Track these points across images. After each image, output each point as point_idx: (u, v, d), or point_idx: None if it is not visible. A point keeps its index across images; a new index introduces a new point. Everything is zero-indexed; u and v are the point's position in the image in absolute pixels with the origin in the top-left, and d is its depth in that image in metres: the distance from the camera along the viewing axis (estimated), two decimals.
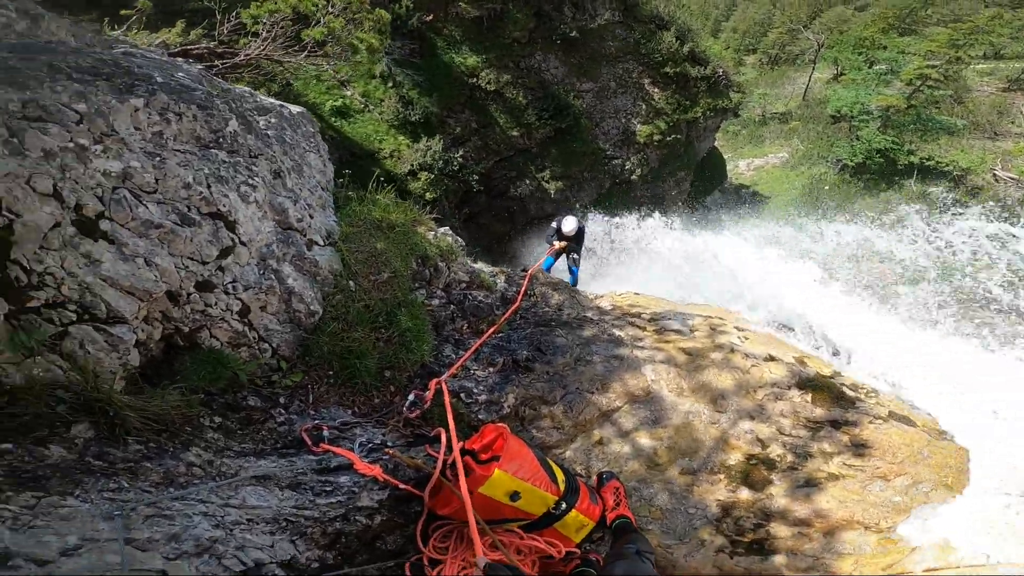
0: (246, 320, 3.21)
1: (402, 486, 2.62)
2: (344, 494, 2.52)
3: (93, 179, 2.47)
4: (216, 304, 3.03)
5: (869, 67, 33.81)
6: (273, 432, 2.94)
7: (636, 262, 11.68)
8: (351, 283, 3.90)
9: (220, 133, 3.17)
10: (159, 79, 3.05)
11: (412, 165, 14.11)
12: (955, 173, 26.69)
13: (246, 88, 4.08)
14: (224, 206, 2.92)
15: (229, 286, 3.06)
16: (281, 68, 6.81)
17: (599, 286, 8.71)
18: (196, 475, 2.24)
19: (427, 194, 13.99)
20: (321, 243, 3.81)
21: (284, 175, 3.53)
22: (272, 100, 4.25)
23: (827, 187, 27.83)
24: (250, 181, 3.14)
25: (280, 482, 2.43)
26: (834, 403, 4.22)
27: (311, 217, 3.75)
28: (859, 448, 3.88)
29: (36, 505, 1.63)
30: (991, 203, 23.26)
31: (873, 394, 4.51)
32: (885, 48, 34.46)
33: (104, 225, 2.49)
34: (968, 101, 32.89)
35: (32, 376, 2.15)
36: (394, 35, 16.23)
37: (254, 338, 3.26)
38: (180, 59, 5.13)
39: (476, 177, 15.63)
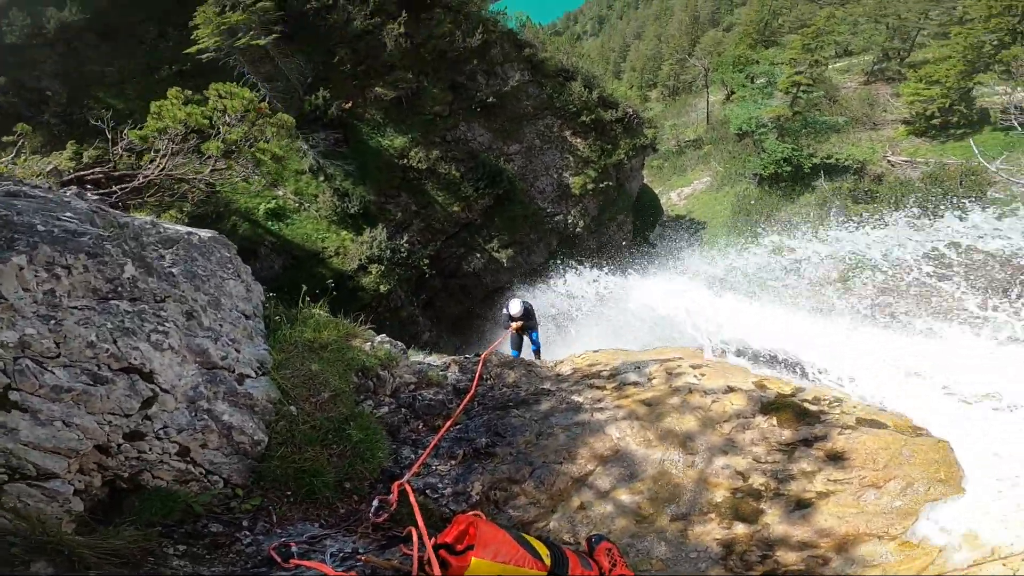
0: (188, 459, 3.12)
1: None
2: None
3: None
4: (151, 450, 2.93)
5: (751, 83, 36.75)
6: (241, 554, 2.87)
7: (596, 319, 11.79)
8: (292, 408, 3.85)
9: (117, 281, 2.97)
10: (40, 227, 2.81)
11: (360, 260, 14.00)
12: (855, 167, 29.25)
13: (147, 218, 3.78)
14: (136, 359, 2.78)
15: (160, 432, 2.95)
16: (187, 186, 6.64)
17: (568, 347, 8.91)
18: None
19: (381, 287, 13.82)
20: (253, 375, 3.71)
21: (198, 314, 3.40)
22: (178, 228, 4.09)
23: (752, 201, 29.77)
24: (160, 328, 3.01)
25: None
26: (799, 421, 4.23)
27: (237, 351, 3.63)
28: (837, 461, 3.82)
29: None
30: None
31: (836, 403, 4.53)
32: (758, 63, 37.77)
33: (13, 396, 2.42)
34: (840, 99, 36.43)
35: None
36: (315, 127, 16.41)
37: (200, 473, 3.17)
38: (73, 188, 4.75)
39: (427, 261, 15.59)
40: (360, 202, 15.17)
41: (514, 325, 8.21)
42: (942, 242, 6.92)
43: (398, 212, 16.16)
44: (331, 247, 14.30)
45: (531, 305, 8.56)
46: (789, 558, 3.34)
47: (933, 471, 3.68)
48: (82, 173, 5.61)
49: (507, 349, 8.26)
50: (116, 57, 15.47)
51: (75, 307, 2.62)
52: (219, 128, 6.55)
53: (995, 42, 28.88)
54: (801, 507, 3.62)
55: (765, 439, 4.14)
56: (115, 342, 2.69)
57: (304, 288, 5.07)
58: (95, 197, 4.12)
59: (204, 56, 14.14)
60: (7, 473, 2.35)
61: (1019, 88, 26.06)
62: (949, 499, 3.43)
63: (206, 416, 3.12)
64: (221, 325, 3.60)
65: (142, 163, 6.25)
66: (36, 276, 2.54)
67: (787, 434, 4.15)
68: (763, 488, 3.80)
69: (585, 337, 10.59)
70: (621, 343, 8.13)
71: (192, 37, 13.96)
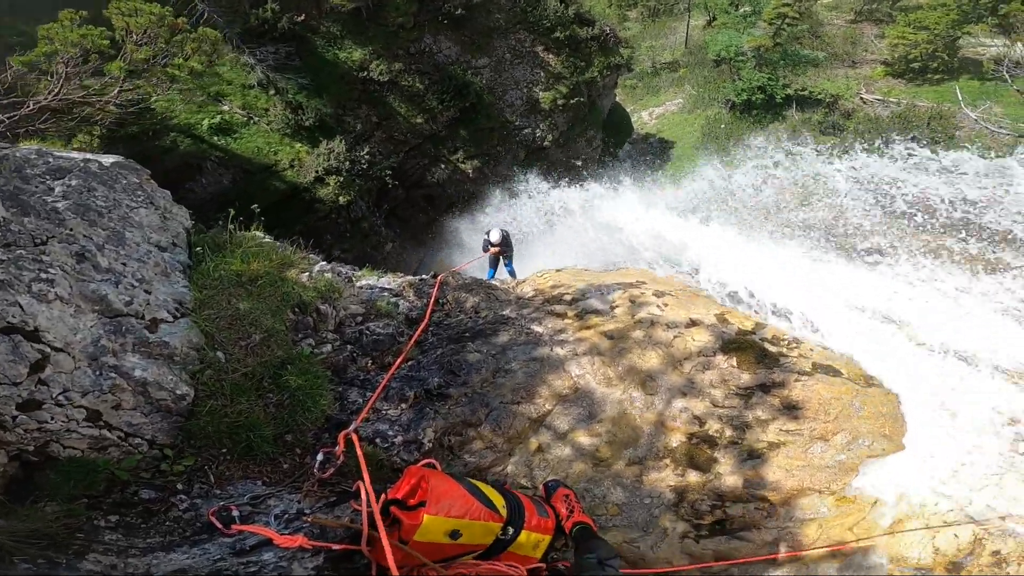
0: (100, 423, 2.79)
1: (336, 547, 2.45)
2: (272, 570, 2.33)
3: None
4: (53, 419, 2.60)
5: (736, 10, 36.30)
6: (179, 520, 2.66)
7: (557, 235, 11.93)
8: (219, 354, 3.45)
9: None
10: None
11: (317, 171, 13.36)
12: (827, 100, 29.62)
13: (33, 147, 3.21)
14: (14, 316, 2.37)
15: (60, 397, 2.61)
16: (91, 109, 5.93)
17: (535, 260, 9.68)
18: None
19: (340, 198, 13.44)
20: (170, 319, 3.26)
21: (93, 254, 2.89)
22: (73, 155, 3.48)
23: (723, 126, 30.14)
24: (43, 275, 2.56)
25: (198, 572, 2.22)
26: (759, 363, 4.22)
27: (147, 293, 3.17)
28: (792, 410, 3.88)
29: None
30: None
31: (795, 345, 4.53)
32: None
33: None
34: (823, 35, 36.12)
35: None
36: (264, 40, 14.73)
37: (118, 437, 2.86)
38: None
39: (389, 172, 15.07)
40: (315, 115, 14.26)
41: (493, 250, 9.40)
42: (917, 185, 6.85)
43: (357, 124, 15.32)
44: (284, 160, 13.57)
45: (508, 233, 9.74)
46: (737, 509, 3.48)
47: (879, 425, 3.77)
48: None
49: (483, 269, 9.48)
50: None
51: None
52: (126, 48, 5.81)
53: None
54: (752, 457, 3.67)
55: (724, 382, 4.13)
56: None
57: (231, 212, 4.51)
58: None
59: None
60: None
61: (1020, 43, 26.68)
62: (889, 456, 3.49)
63: (113, 373, 2.77)
64: (125, 264, 3.14)
65: (35, 91, 5.51)
66: None
67: (746, 377, 4.15)
68: (718, 435, 3.84)
69: (547, 252, 10.86)
70: (584, 260, 8.31)
71: None
